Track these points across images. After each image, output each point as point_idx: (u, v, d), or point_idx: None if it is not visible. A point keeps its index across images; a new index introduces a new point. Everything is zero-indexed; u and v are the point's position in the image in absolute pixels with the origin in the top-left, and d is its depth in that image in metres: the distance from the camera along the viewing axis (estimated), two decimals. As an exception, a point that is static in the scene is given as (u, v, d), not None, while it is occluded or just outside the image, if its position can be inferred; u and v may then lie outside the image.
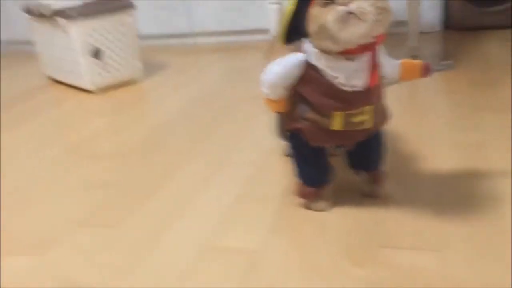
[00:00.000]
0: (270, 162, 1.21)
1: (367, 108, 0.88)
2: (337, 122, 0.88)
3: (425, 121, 1.36)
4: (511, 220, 0.88)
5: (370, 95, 0.87)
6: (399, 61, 0.92)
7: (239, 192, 1.08)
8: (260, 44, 2.42)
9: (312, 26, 0.81)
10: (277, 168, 1.17)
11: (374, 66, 0.85)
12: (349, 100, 0.86)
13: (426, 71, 0.92)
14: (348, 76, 0.84)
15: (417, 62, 0.93)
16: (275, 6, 1.64)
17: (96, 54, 1.86)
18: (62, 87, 2.03)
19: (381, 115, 0.92)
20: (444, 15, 2.28)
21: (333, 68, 0.84)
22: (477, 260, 0.80)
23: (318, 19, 0.80)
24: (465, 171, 1.07)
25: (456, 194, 0.99)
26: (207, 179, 1.16)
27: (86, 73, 1.87)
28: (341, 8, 0.78)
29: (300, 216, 0.97)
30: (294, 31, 0.85)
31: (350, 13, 0.77)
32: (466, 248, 0.83)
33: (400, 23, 2.28)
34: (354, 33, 0.79)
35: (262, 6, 2.40)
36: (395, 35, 2.28)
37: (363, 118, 0.88)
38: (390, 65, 0.91)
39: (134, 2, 1.94)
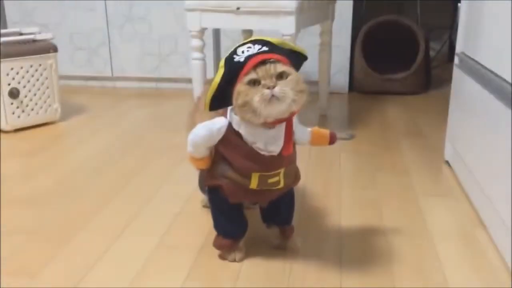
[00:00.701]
0: (190, 212, 1.27)
1: (281, 170, 0.98)
2: (254, 182, 0.97)
3: (330, 179, 1.49)
4: (401, 276, 1.02)
5: (284, 159, 0.97)
6: (310, 129, 1.05)
7: (157, 240, 1.13)
8: (180, 92, 2.51)
9: (237, 100, 0.90)
10: (196, 217, 1.24)
11: (289, 137, 0.96)
12: (266, 163, 0.96)
13: (332, 139, 1.06)
14: (265, 142, 0.94)
15: (325, 131, 1.06)
16: (198, 62, 1.74)
17: (13, 94, 1.84)
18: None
19: (293, 176, 1.03)
20: (350, 79, 2.51)
21: (252, 135, 0.94)
22: (370, 309, 0.91)
23: (244, 97, 0.89)
24: (363, 227, 1.20)
25: (354, 249, 1.11)
26: (126, 226, 1.19)
27: (2, 113, 1.83)
28: (266, 92, 0.88)
29: (216, 265, 1.04)
30: (220, 100, 0.94)
31: (273, 95, 0.89)
32: (361, 298, 0.94)
33: (312, 83, 2.48)
34: (275, 111, 0.90)
35: (184, 55, 2.50)
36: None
37: (277, 179, 0.98)
38: (302, 132, 1.03)
39: (56, 44, 1.95)
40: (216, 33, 2.47)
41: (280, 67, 0.89)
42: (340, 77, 2.49)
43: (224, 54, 2.61)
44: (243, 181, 0.97)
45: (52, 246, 1.11)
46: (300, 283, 0.98)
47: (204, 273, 1.02)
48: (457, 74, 1.51)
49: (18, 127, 1.89)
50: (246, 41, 0.94)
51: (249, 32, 2.10)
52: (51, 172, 1.52)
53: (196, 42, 1.71)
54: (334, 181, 1.47)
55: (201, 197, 1.28)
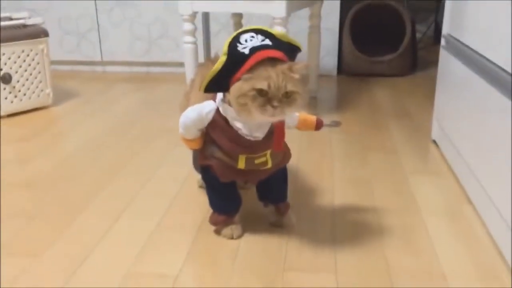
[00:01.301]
0: (187, 193, 1.30)
1: (267, 151, 1.02)
2: (241, 163, 1.01)
3: (322, 159, 1.54)
4: (391, 249, 1.07)
5: (269, 143, 1.01)
6: (298, 115, 1.09)
7: (157, 221, 1.17)
8: (171, 76, 2.52)
9: (238, 99, 0.92)
10: (193, 198, 1.27)
11: (281, 135, 1.00)
12: (251, 146, 1.00)
13: (318, 125, 1.11)
14: (250, 129, 0.98)
15: (312, 118, 1.10)
16: (190, 45, 1.76)
17: (6, 79, 1.84)
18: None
19: (280, 156, 1.06)
20: (338, 62, 2.54)
21: (237, 121, 0.98)
22: (363, 281, 0.96)
23: (247, 100, 0.91)
24: (355, 204, 1.25)
25: (347, 225, 1.15)
26: (125, 208, 1.23)
27: (-6, 98, 1.84)
28: (270, 111, 0.91)
29: (215, 242, 1.08)
30: (217, 85, 0.96)
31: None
32: (354, 271, 0.99)
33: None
34: (269, 120, 0.96)
35: (174, 39, 2.51)
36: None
37: (264, 159, 1.02)
38: (289, 117, 1.06)
39: (47, 29, 1.96)
40: (206, 17, 2.48)
41: (291, 86, 0.91)
42: (329, 59, 2.52)
43: (213, 39, 2.62)
44: (230, 162, 1.01)
45: (53, 229, 1.14)
46: (296, 258, 1.02)
47: (204, 251, 1.06)
48: (444, 55, 1.55)
49: (10, 112, 1.89)
50: (248, 28, 0.96)
51: (239, 16, 2.12)
52: (47, 156, 1.54)
53: (187, 26, 1.73)
54: (326, 161, 1.51)
55: (197, 178, 1.31)
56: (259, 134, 0.99)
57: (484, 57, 1.16)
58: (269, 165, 1.03)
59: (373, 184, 1.35)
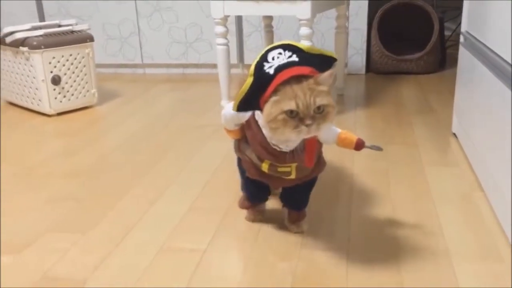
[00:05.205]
0: (217, 181, 1.42)
1: (293, 164, 1.03)
2: (265, 166, 1.05)
3: (344, 151, 1.62)
4: (403, 234, 1.15)
5: (294, 156, 1.00)
6: (338, 133, 1.05)
7: (189, 205, 1.29)
8: (206, 77, 2.66)
9: (270, 123, 0.92)
10: (223, 186, 1.39)
11: (313, 150, 0.99)
12: (276, 155, 1.01)
13: (358, 146, 1.05)
14: (278, 142, 1.00)
15: (352, 137, 1.05)
16: (222, 47, 1.88)
17: (55, 81, 2.02)
18: (20, 110, 2.16)
19: (307, 171, 1.05)
20: (366, 61, 2.62)
21: (268, 133, 1.01)
22: (371, 256, 1.05)
23: (279, 124, 0.91)
24: (371, 191, 1.34)
25: (362, 209, 1.25)
26: (161, 193, 1.36)
27: (45, 98, 2.02)
28: (305, 130, 0.90)
29: (240, 224, 1.19)
30: (247, 104, 0.96)
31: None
32: (365, 248, 1.08)
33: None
34: (303, 138, 0.96)
35: (209, 41, 2.65)
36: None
37: (288, 170, 1.04)
38: (327, 134, 1.04)
39: (92, 35, 2.13)
40: (239, 20, 2.60)
41: (320, 100, 0.89)
42: (357, 58, 2.60)
43: (246, 40, 2.74)
44: (257, 162, 1.07)
45: (98, 211, 1.28)
46: (313, 238, 1.13)
47: (229, 231, 1.17)
48: (462, 52, 1.61)
49: (60, 111, 2.07)
50: (277, 44, 0.96)
51: (269, 18, 2.23)
52: (93, 149, 1.70)
53: (220, 29, 1.86)
54: (347, 152, 1.60)
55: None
56: (285, 148, 1.00)
57: (499, 56, 1.22)
58: (293, 176, 1.05)
59: (390, 174, 1.44)
